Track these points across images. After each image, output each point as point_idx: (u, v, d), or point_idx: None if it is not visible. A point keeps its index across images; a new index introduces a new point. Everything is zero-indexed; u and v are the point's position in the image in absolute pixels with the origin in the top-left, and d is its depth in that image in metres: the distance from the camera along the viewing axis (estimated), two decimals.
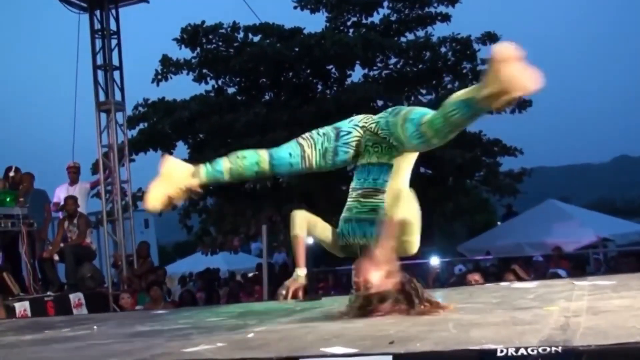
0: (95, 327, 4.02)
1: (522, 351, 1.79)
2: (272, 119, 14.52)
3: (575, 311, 2.59)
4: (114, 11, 11.69)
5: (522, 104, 16.43)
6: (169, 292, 12.96)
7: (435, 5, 16.92)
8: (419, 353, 1.99)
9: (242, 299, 11.99)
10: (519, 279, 7.02)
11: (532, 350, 1.79)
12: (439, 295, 4.16)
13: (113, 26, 11.64)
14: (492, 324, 2.47)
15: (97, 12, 11.58)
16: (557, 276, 7.31)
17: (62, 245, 9.49)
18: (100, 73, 11.52)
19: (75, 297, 8.75)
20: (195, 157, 15.68)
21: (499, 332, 2.25)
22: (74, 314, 8.11)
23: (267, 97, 16.86)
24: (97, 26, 11.56)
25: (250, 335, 2.86)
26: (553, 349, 1.78)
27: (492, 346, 1.89)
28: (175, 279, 19.07)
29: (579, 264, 11.03)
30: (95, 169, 12.42)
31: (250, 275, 17.01)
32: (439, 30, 16.87)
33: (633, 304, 2.65)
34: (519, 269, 8.33)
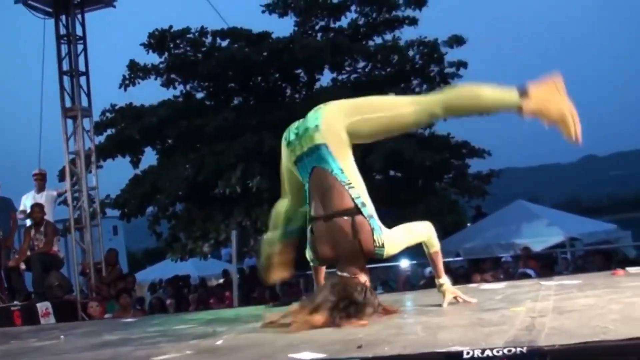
0: (62, 336, 3.97)
1: (487, 352, 1.80)
2: (241, 123, 14.48)
3: (541, 311, 2.61)
4: (79, 16, 11.59)
5: None
6: (138, 300, 12.85)
7: (403, 9, 17.03)
8: (387, 357, 1.99)
9: (212, 305, 11.93)
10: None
11: (498, 352, 1.80)
12: (408, 298, 4.19)
13: (79, 31, 11.55)
14: (459, 325, 2.49)
15: (63, 17, 11.47)
16: (526, 276, 7.39)
17: (28, 253, 9.37)
18: (66, 79, 11.40)
19: (43, 306, 8.62)
20: (164, 163, 15.60)
21: (466, 334, 2.27)
22: (42, 323, 7.99)
23: (235, 101, 16.83)
24: (63, 31, 11.45)
25: (219, 342, 2.84)
26: (518, 349, 1.79)
27: (459, 348, 1.89)
28: (145, 286, 18.93)
29: (548, 264, 11.14)
30: (62, 176, 12.28)
31: (220, 281, 16.95)
32: (406, 34, 17.00)
33: (597, 302, 2.69)
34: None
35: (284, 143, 3.31)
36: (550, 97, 3.05)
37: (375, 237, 3.02)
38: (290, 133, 3.26)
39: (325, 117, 3.14)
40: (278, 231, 3.59)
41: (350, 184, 3.07)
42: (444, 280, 3.30)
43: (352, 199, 3.05)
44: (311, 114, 3.20)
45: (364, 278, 3.09)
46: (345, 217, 3.04)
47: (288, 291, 12.81)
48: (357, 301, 2.95)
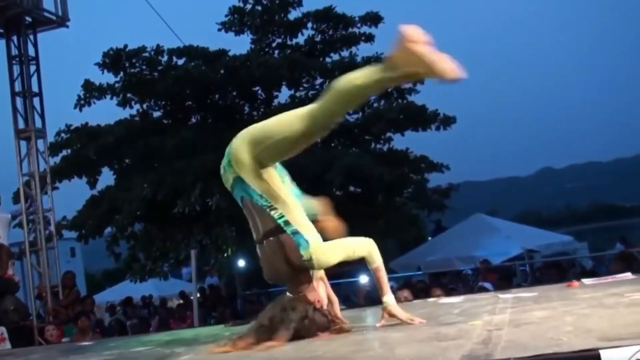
0: None
1: None
2: (199, 142, 14.40)
3: (498, 324, 2.63)
4: (32, 36, 11.40)
5: (447, 121, 16.78)
6: (97, 322, 12.63)
7: (359, 25, 17.19)
8: None
9: (172, 326, 11.78)
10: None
11: None
12: (368, 313, 4.19)
13: (31, 52, 11.36)
14: (417, 340, 2.49)
15: (14, 38, 11.28)
16: (484, 289, 7.44)
17: None
18: (19, 100, 11.20)
19: None
20: (122, 183, 15.43)
21: (423, 349, 2.27)
22: None
23: (193, 120, 16.76)
24: (15, 52, 11.26)
25: None
26: None
27: None
28: (104, 307, 18.64)
29: (506, 276, 11.24)
30: (16, 198, 12.04)
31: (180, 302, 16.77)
32: (363, 50, 17.13)
33: (553, 315, 2.71)
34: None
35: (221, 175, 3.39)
36: (411, 53, 2.87)
37: (301, 251, 3.08)
38: (221, 167, 3.33)
39: (233, 153, 3.22)
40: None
41: (272, 206, 3.14)
42: (388, 298, 3.25)
43: (274, 220, 3.12)
44: (228, 147, 3.28)
45: (312, 295, 3.12)
46: (271, 238, 3.12)
47: (249, 309, 12.72)
48: (290, 320, 3.00)
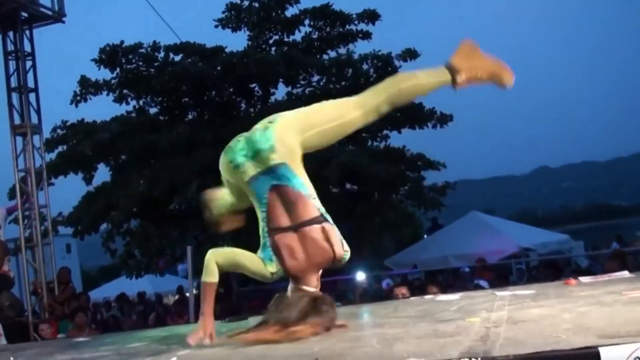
0: (11, 358, 3.86)
1: None
2: (196, 138, 14.39)
3: (496, 321, 2.62)
4: (28, 32, 11.37)
5: (444, 119, 16.79)
6: (93, 319, 12.62)
7: (356, 22, 17.19)
8: None
9: (169, 322, 11.77)
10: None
11: None
12: (365, 310, 4.18)
13: (27, 47, 11.33)
14: (415, 337, 2.48)
15: (10, 33, 11.25)
16: (479, 287, 7.44)
17: None
18: (15, 95, 11.18)
19: None
20: (118, 179, 15.41)
21: (421, 345, 2.26)
22: None
23: (190, 116, 16.74)
24: (11, 47, 11.23)
25: (174, 359, 2.79)
26: (473, 359, 1.80)
27: (414, 359, 1.89)
28: (100, 303, 18.63)
29: (502, 274, 11.26)
30: (12, 194, 12.02)
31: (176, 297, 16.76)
32: (360, 48, 17.14)
33: (550, 312, 2.71)
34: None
35: (229, 166, 3.27)
36: (473, 60, 3.28)
37: (343, 242, 3.10)
38: (237, 155, 3.22)
39: (277, 136, 3.15)
40: (226, 199, 3.69)
41: (312, 195, 3.12)
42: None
43: (317, 209, 3.10)
44: (259, 134, 3.19)
45: (319, 291, 3.12)
46: (316, 225, 3.07)
47: (246, 306, 12.71)
48: (321, 314, 2.96)
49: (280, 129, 3.18)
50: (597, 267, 11.48)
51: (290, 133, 3.16)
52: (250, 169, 3.17)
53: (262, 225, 3.18)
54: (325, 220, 3.09)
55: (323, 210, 3.12)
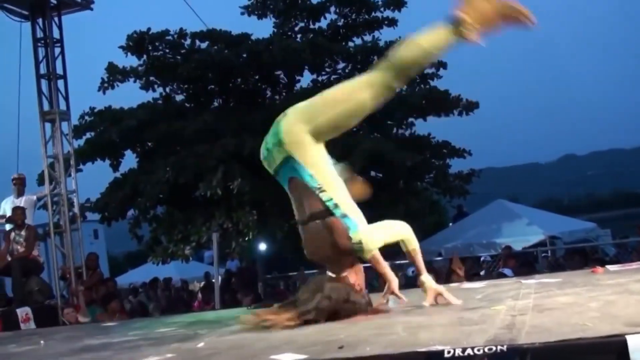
0: (42, 342, 3.94)
1: (468, 351, 1.81)
2: (221, 125, 14.43)
3: (522, 310, 2.62)
4: (56, 19, 11.45)
5: (470, 106, 16.67)
6: (120, 304, 12.76)
7: (382, 9, 17.10)
8: (368, 357, 1.99)
9: (195, 308, 11.88)
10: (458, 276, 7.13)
11: (479, 350, 1.80)
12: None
13: (56, 34, 11.41)
14: (440, 325, 2.49)
15: (40, 20, 11.34)
16: (503, 276, 7.41)
17: (8, 258, 9.27)
18: (43, 82, 11.27)
19: (23, 312, 8.53)
20: (144, 166, 15.52)
21: (447, 333, 2.27)
22: (22, 328, 7.92)
23: (215, 103, 16.78)
24: (40, 34, 11.32)
25: (200, 344, 2.83)
26: (499, 348, 1.80)
27: (440, 347, 1.90)
28: (127, 289, 18.85)
29: (527, 263, 11.20)
30: (41, 180, 12.16)
31: (202, 284, 16.91)
32: (386, 35, 17.04)
33: (577, 300, 2.70)
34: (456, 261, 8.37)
35: (262, 156, 3.35)
36: (480, 6, 3.10)
37: (351, 235, 3.07)
38: (263, 149, 3.31)
39: (285, 129, 3.19)
40: None
41: (321, 188, 3.13)
42: (425, 277, 3.30)
43: (323, 202, 3.12)
44: (274, 127, 3.25)
45: (353, 278, 3.13)
46: (318, 221, 3.12)
47: (270, 292, 12.80)
48: (337, 300, 3.01)
49: (288, 121, 3.22)
50: (625, 256, 11.39)
51: (297, 124, 3.18)
52: (272, 163, 3.28)
53: None
54: (331, 214, 3.10)
55: (331, 202, 3.11)
